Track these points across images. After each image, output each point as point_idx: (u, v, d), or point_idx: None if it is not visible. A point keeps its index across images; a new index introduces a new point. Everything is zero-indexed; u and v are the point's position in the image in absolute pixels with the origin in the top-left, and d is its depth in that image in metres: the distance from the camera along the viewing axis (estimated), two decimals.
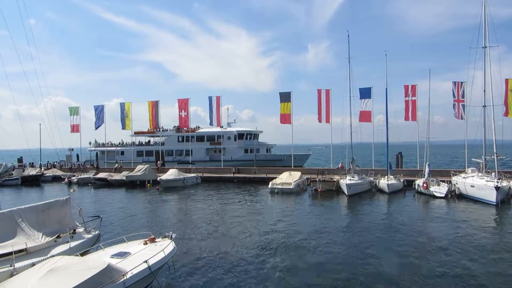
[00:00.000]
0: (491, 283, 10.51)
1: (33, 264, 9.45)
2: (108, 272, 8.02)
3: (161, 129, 58.06)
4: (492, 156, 25.95)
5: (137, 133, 59.59)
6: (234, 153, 55.39)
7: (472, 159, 30.59)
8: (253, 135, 59.46)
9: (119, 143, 62.03)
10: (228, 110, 58.85)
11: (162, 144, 58.03)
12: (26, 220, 11.27)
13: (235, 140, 57.05)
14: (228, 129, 57.80)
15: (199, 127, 60.28)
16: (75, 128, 51.88)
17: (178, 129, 58.60)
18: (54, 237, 11.52)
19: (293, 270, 11.74)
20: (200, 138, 58.37)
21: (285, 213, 21.80)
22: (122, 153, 59.59)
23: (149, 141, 61.99)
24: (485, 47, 27.13)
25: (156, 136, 60.26)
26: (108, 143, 59.76)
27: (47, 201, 12.78)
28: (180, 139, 59.21)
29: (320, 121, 41.25)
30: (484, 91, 27.14)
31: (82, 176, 41.01)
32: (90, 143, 61.93)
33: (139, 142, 62.45)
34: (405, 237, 15.67)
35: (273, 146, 62.47)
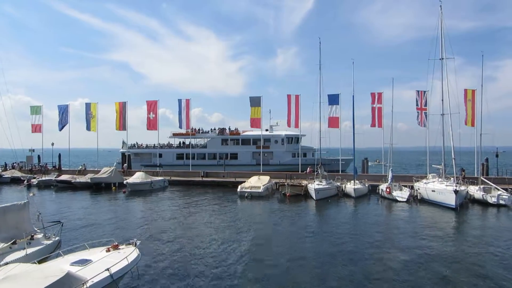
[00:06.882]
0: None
1: None
2: (67, 280, 7.71)
3: (201, 131, 56.78)
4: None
5: (176, 135, 56.95)
6: (282, 157, 53.83)
7: (433, 165, 31.98)
8: (298, 139, 57.42)
9: (155, 145, 56.93)
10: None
11: (204, 146, 56.70)
12: None
13: (282, 143, 55.49)
14: (275, 133, 56.75)
15: (237, 129, 58.53)
16: (36, 128, 49.63)
17: (221, 131, 57.43)
18: (9, 243, 10.99)
19: (258, 275, 11.77)
20: (246, 141, 56.26)
21: (253, 217, 21.87)
22: (160, 155, 54.08)
23: (183, 142, 58.05)
24: (442, 58, 28.64)
25: (198, 138, 57.80)
26: (141, 145, 57.72)
27: (3, 205, 12.19)
28: (223, 141, 57.11)
29: (289, 125, 41.93)
30: (442, 100, 28.56)
31: (44, 178, 39.29)
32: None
33: (176, 144, 58.78)
34: (368, 241, 16.09)
35: (317, 150, 60.88)
